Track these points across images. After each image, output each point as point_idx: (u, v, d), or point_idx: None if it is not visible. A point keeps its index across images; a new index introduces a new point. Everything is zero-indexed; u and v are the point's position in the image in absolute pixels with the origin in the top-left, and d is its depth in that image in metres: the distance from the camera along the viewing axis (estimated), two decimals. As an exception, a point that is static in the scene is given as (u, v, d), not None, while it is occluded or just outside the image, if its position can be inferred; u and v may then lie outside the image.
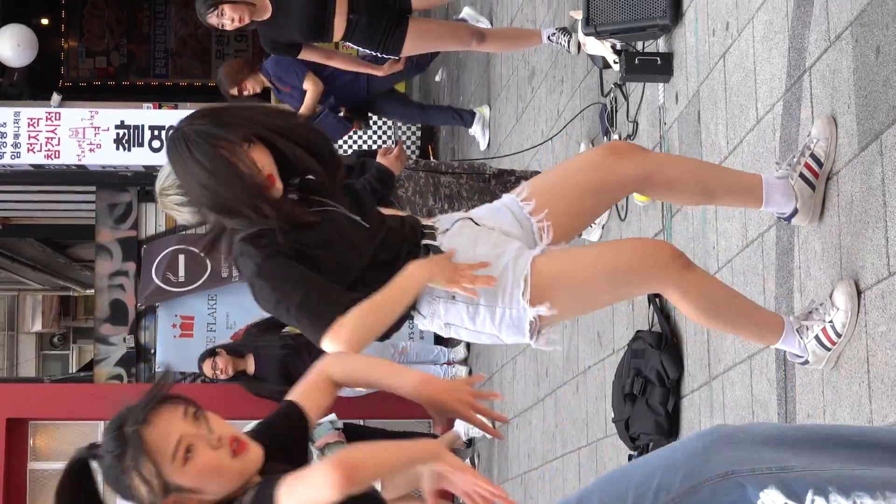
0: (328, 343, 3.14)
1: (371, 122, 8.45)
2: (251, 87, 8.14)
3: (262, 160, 3.20)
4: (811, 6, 3.70)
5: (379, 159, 5.67)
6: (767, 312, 3.52)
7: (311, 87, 8.27)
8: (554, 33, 6.56)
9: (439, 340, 10.94)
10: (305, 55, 6.45)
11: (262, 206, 3.17)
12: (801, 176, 3.57)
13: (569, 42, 6.48)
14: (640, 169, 3.45)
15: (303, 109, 8.80)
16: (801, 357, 3.52)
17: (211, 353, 9.35)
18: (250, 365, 9.38)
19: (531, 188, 3.50)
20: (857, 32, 3.39)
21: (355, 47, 6.41)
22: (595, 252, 3.36)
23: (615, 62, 5.46)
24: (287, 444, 2.62)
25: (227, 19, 5.99)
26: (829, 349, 3.46)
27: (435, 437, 10.19)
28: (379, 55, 6.42)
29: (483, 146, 9.11)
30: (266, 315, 10.29)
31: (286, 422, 2.66)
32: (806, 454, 2.46)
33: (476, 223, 3.45)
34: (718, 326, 3.48)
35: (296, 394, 2.71)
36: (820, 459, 2.43)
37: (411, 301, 3.24)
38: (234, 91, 7.86)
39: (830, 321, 3.42)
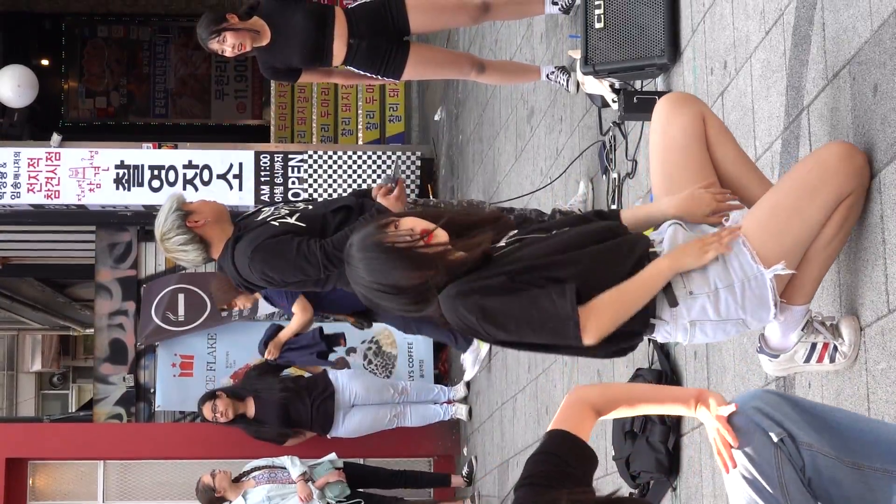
0: (588, 337, 3.16)
1: (370, 323, 8.24)
2: (241, 303, 8.06)
3: (412, 223, 3.22)
4: (808, 45, 3.72)
5: (379, 199, 5.33)
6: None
7: (299, 312, 8.17)
8: (553, 72, 6.57)
9: (439, 380, 10.92)
10: (305, 78, 6.45)
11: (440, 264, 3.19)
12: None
13: (567, 81, 6.50)
14: (699, 107, 3.49)
15: (284, 333, 8.76)
16: (776, 352, 3.46)
17: (211, 395, 9.33)
18: (250, 408, 9.36)
19: (659, 190, 3.51)
20: (855, 71, 3.41)
21: (356, 70, 6.40)
22: (787, 179, 3.26)
23: (614, 101, 5.47)
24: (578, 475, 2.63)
25: (229, 46, 5.98)
26: (807, 363, 3.44)
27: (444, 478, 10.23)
28: (380, 77, 6.40)
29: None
30: (264, 358, 10.29)
31: (576, 454, 2.65)
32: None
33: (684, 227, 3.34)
34: (826, 248, 3.27)
35: (563, 425, 2.71)
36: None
37: (655, 294, 3.20)
38: (227, 308, 7.84)
39: (835, 346, 3.41)
